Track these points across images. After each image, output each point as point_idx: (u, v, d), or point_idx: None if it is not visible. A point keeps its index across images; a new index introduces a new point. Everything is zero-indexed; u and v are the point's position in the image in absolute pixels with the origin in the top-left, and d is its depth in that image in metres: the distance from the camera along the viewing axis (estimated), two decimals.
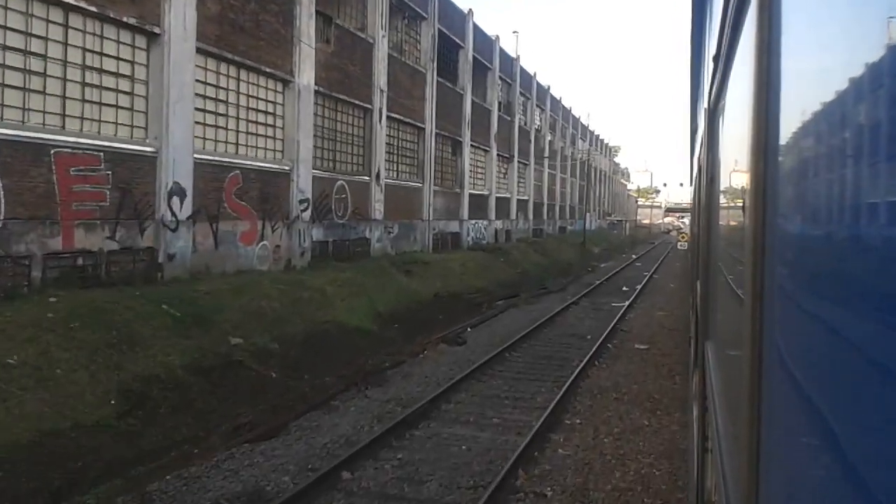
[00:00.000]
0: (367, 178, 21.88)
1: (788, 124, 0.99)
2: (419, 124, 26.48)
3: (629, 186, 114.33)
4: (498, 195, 36.94)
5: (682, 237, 38.85)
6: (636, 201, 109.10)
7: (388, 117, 23.13)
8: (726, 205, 2.40)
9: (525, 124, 43.39)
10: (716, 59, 2.47)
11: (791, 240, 0.99)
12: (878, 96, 0.57)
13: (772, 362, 1.05)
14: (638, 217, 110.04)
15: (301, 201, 17.99)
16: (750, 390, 1.13)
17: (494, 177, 35.98)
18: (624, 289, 26.41)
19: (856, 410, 0.63)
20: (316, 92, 18.58)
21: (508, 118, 38.96)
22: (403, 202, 24.62)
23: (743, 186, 1.53)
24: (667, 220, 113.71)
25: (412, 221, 25.50)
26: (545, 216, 48.76)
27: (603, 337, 15.34)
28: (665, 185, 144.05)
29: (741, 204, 1.59)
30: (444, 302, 19.51)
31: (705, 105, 3.54)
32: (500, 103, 37.20)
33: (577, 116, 62.69)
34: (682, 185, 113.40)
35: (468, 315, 18.32)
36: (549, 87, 49.06)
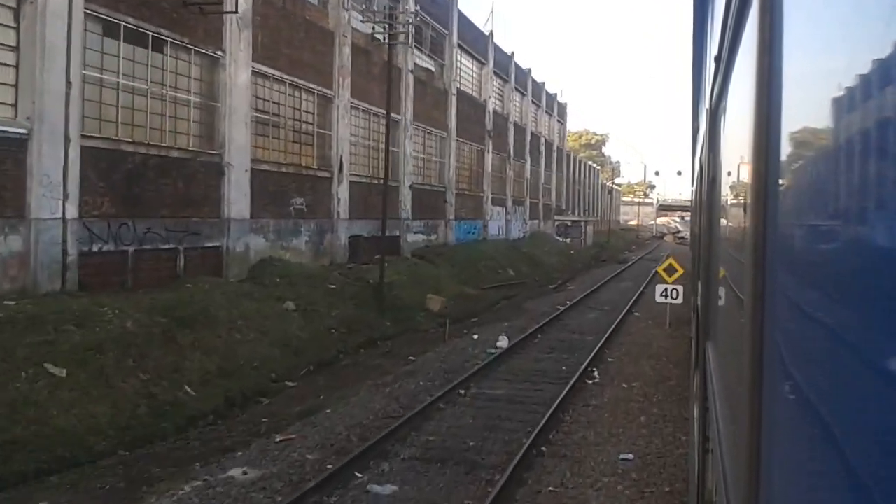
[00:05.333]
0: None
1: (790, 125, 0.99)
2: None
3: (618, 181, 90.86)
4: None
5: (670, 273, 16.87)
6: (608, 192, 79.30)
7: None
8: (727, 205, 2.40)
9: None
10: (717, 59, 2.47)
11: (792, 241, 0.99)
12: (880, 97, 0.56)
13: (772, 363, 1.05)
14: (623, 217, 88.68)
15: None
16: (751, 391, 1.13)
17: None
18: None
19: (856, 412, 0.63)
20: None
21: None
22: None
23: (744, 187, 1.53)
24: (660, 220, 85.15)
25: None
26: (228, 229, 15.28)
27: None
28: (657, 173, 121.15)
29: (742, 205, 1.59)
30: None
31: (707, 105, 3.54)
32: None
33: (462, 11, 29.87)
34: (679, 173, 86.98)
35: None
36: None
